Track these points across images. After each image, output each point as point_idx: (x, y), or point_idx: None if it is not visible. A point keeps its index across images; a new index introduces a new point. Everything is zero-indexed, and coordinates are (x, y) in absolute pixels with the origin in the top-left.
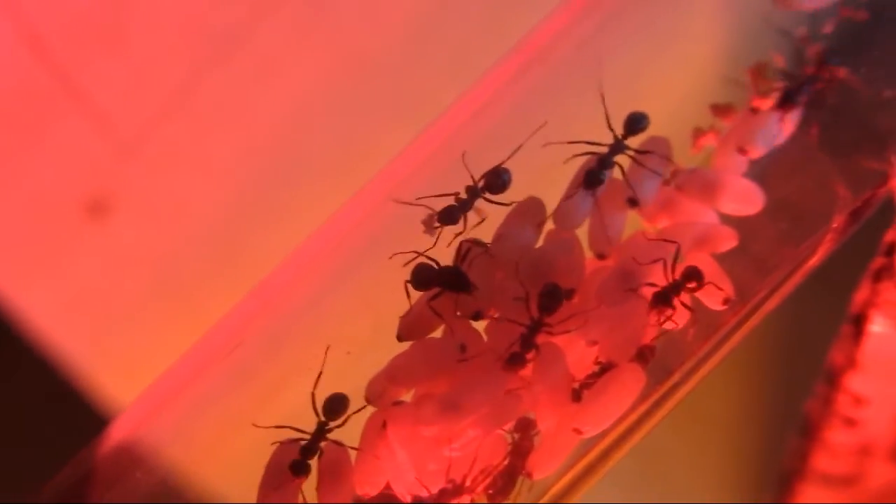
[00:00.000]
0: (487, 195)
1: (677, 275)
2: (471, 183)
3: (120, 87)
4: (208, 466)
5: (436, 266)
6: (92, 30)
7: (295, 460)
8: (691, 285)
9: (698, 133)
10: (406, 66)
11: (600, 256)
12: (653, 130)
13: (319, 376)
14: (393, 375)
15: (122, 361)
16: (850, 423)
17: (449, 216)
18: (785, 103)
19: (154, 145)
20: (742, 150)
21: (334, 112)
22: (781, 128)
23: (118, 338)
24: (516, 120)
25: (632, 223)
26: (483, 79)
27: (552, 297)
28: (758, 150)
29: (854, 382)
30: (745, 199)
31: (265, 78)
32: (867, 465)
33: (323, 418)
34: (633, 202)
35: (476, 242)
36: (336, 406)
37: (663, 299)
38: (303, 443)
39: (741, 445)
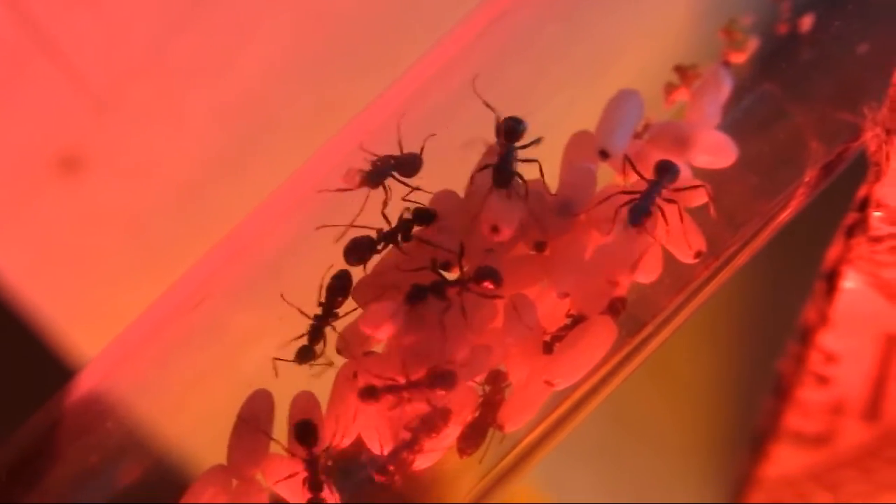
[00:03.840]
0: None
1: (652, 176)
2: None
3: (94, 43)
4: (178, 418)
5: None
6: None
7: (303, 346)
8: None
9: (670, 88)
10: (377, 23)
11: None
12: (625, 84)
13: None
14: (363, 326)
15: (92, 317)
16: (822, 380)
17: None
18: None
19: (128, 102)
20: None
21: (307, 70)
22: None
23: (89, 293)
24: (486, 74)
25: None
26: (451, 34)
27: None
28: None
29: (826, 339)
30: (718, 151)
31: (239, 35)
32: (839, 423)
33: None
34: (605, 154)
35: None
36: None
37: (642, 210)
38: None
39: (714, 406)
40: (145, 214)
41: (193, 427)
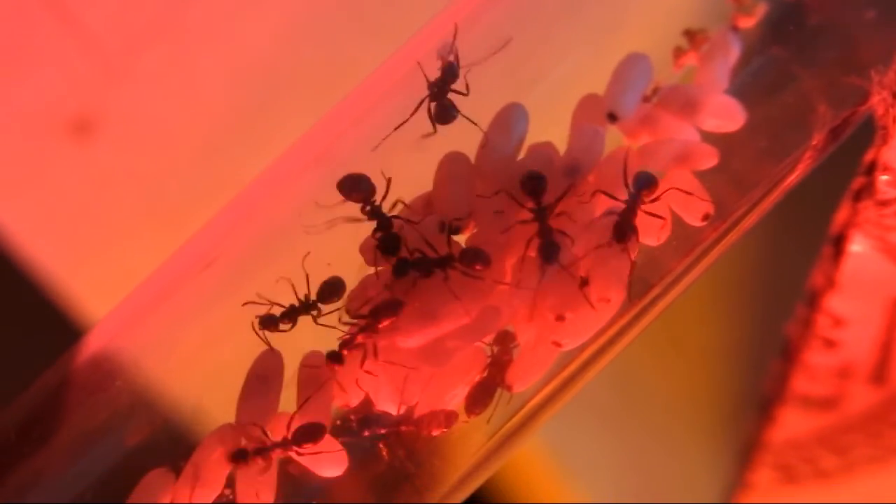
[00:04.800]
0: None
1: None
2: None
3: (107, 6)
4: (187, 377)
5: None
6: None
7: (269, 315)
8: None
9: (679, 52)
10: None
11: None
12: (634, 48)
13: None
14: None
15: (104, 279)
16: (829, 344)
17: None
18: None
19: (140, 65)
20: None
21: (318, 33)
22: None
23: (101, 256)
24: (492, 38)
25: (613, 140)
26: None
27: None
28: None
29: (833, 303)
30: (726, 115)
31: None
32: (847, 387)
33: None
34: (613, 117)
35: None
36: (333, 290)
37: (625, 227)
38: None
39: (722, 370)
40: (157, 177)
41: (202, 386)
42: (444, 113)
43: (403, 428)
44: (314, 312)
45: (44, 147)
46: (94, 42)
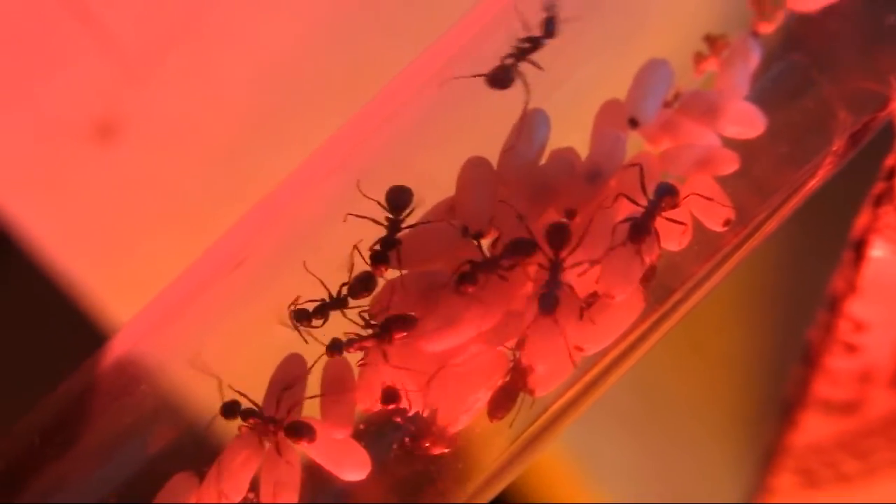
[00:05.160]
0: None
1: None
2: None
3: (130, 10)
4: (212, 381)
5: None
6: None
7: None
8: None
9: (700, 57)
10: None
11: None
12: (655, 53)
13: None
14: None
15: (127, 285)
16: (850, 349)
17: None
18: None
19: (163, 69)
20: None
21: (342, 35)
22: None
23: (124, 261)
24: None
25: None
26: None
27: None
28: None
29: (854, 308)
30: (747, 121)
31: (273, 1)
32: (868, 391)
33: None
34: (634, 123)
35: None
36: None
37: (641, 228)
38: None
39: (743, 375)
40: (180, 181)
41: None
42: (503, 76)
43: (421, 434)
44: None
45: (67, 151)
46: (116, 46)
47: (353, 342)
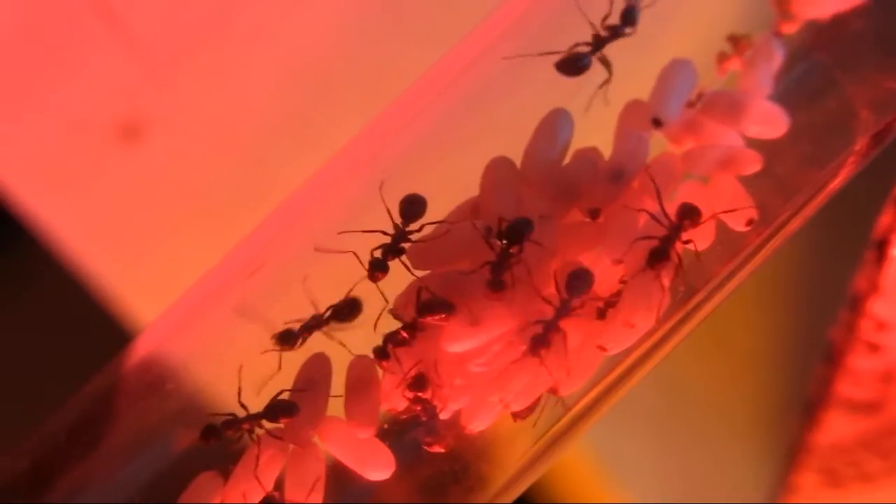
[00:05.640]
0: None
1: (672, 217)
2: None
3: (155, 10)
4: (236, 381)
5: None
6: None
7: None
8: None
9: (723, 57)
10: None
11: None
12: (678, 53)
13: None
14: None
15: (153, 285)
16: (873, 348)
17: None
18: None
19: (188, 70)
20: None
21: (368, 34)
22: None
23: (150, 261)
24: (540, 41)
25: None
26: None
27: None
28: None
29: (877, 307)
30: (770, 121)
31: (298, 2)
32: (890, 391)
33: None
34: (658, 123)
35: None
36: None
37: (661, 254)
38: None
39: (766, 374)
40: (205, 181)
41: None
42: (575, 62)
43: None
44: (325, 328)
45: (93, 151)
46: (142, 46)
47: (394, 338)
